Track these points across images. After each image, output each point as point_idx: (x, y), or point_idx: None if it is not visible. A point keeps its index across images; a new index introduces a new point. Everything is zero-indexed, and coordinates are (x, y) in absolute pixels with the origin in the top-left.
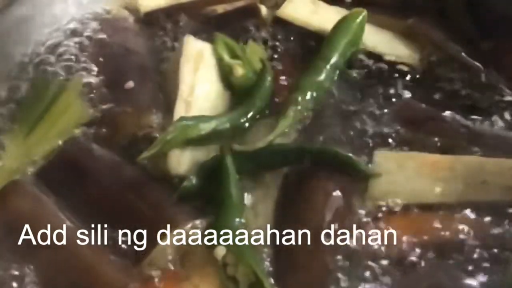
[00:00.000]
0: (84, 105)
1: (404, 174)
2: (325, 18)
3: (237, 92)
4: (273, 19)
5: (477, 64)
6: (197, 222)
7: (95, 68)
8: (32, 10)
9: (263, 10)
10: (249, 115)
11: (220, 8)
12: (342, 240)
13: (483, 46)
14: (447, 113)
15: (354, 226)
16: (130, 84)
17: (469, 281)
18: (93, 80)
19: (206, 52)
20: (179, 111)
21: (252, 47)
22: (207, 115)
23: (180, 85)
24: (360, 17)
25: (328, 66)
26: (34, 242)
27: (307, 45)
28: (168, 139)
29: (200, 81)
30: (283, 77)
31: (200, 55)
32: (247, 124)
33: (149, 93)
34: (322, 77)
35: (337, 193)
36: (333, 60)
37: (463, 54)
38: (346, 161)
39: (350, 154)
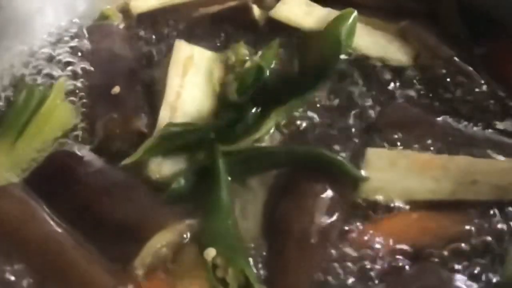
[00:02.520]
0: (70, 108)
1: (396, 172)
2: (319, 19)
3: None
4: (266, 20)
5: (469, 67)
6: (187, 224)
7: (83, 73)
8: (20, 14)
9: (256, 10)
10: (240, 121)
11: (213, 9)
12: (332, 243)
13: (475, 50)
14: (439, 115)
15: (344, 227)
16: (117, 89)
17: (459, 282)
18: (80, 85)
19: (196, 56)
20: (164, 115)
21: (238, 47)
22: (194, 123)
23: (167, 89)
24: (351, 18)
25: (317, 68)
26: (23, 248)
27: (300, 46)
28: (152, 146)
29: (187, 86)
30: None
31: (189, 59)
32: (236, 130)
33: (136, 98)
34: (310, 79)
35: (326, 195)
36: (321, 61)
37: (455, 57)
38: (335, 164)
39: (339, 157)
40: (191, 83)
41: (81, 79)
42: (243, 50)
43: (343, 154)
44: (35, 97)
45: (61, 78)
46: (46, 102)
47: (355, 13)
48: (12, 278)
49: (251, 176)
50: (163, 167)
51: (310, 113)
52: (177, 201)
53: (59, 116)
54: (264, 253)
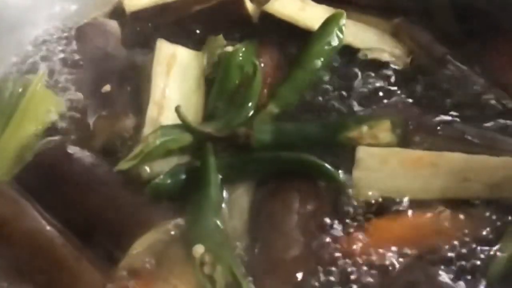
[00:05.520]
0: (53, 97)
1: (387, 170)
2: (313, 15)
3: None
4: (260, 14)
5: (462, 65)
6: (174, 223)
7: (75, 72)
8: (12, 12)
9: (249, 5)
10: (238, 121)
11: (206, 6)
12: (319, 242)
13: (468, 47)
14: (431, 112)
15: (332, 227)
16: (107, 87)
17: (446, 279)
18: (72, 83)
19: (178, 54)
20: (151, 113)
21: (211, 40)
22: (186, 123)
23: (152, 88)
24: (341, 21)
25: (307, 72)
26: (13, 246)
27: (294, 42)
28: (148, 152)
29: (172, 84)
30: (267, 76)
31: (172, 58)
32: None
33: (125, 97)
34: (300, 82)
35: (313, 196)
36: (313, 66)
37: (448, 55)
38: (320, 170)
39: (325, 164)
40: (175, 81)
41: (73, 77)
42: (221, 43)
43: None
44: (18, 89)
45: (42, 68)
46: (27, 93)
47: (344, 15)
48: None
49: (239, 177)
50: (154, 166)
51: (303, 108)
52: (165, 199)
53: (42, 104)
54: (251, 251)
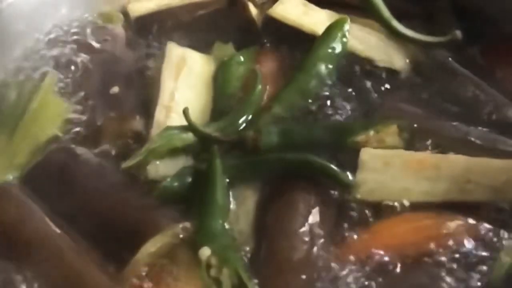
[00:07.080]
0: (62, 101)
1: (390, 172)
2: (316, 20)
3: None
4: (264, 19)
5: (463, 68)
6: (182, 226)
7: (82, 74)
8: (20, 13)
9: (253, 10)
10: (236, 124)
11: (209, 10)
12: (324, 244)
13: (469, 51)
14: (433, 116)
15: (336, 230)
16: (115, 89)
17: (450, 282)
18: (79, 86)
19: (188, 58)
20: (159, 116)
21: (219, 47)
22: (192, 125)
23: (161, 91)
24: (344, 26)
25: (311, 76)
26: (20, 248)
27: (297, 46)
28: (153, 149)
29: (180, 87)
30: (270, 79)
31: (182, 61)
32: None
33: (133, 99)
34: (304, 86)
35: (318, 198)
36: (316, 70)
37: (449, 59)
38: (324, 170)
39: (328, 163)
40: (184, 84)
41: (81, 78)
42: (228, 50)
43: (338, 158)
44: (27, 92)
45: (52, 72)
46: (37, 96)
47: (348, 21)
48: (9, 278)
49: (245, 179)
50: (161, 168)
51: (306, 112)
52: (172, 202)
53: (51, 109)
54: (257, 253)
